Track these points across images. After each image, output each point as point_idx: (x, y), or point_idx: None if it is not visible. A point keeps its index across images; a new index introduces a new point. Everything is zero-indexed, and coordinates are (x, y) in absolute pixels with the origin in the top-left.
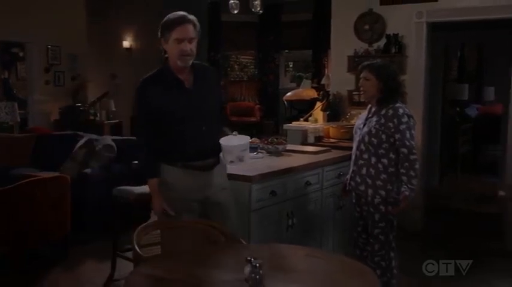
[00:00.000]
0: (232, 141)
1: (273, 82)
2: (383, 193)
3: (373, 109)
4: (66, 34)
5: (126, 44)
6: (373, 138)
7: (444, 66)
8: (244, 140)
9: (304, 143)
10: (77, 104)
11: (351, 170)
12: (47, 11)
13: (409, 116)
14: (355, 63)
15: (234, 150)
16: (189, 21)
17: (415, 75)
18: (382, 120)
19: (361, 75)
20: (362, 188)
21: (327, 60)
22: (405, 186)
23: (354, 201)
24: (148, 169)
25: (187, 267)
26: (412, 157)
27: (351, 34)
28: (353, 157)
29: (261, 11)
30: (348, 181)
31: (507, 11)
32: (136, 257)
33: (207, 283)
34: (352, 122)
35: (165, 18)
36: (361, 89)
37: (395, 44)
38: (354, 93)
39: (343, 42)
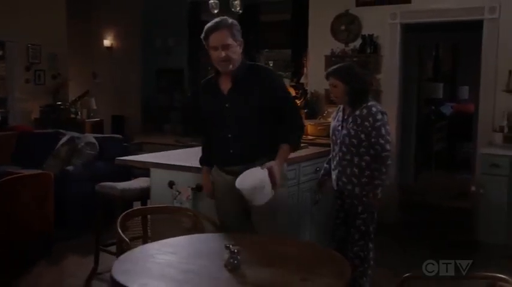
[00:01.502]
0: (243, 182)
1: None
2: (369, 188)
3: (348, 111)
4: (46, 33)
5: (106, 43)
6: (353, 139)
7: (419, 66)
8: (255, 181)
9: None
10: (58, 103)
11: (332, 167)
12: (27, 10)
13: (383, 113)
14: (332, 62)
15: (242, 191)
16: (223, 27)
17: (389, 75)
18: (359, 121)
19: (329, 82)
20: (349, 187)
21: (306, 59)
22: (370, 187)
23: (335, 195)
24: (201, 157)
25: (170, 254)
26: (384, 154)
27: (328, 34)
28: (336, 158)
29: (240, 11)
30: (336, 182)
31: (478, 12)
32: (119, 241)
33: (187, 268)
34: (329, 119)
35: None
36: (332, 95)
37: (371, 44)
38: None
39: (320, 42)
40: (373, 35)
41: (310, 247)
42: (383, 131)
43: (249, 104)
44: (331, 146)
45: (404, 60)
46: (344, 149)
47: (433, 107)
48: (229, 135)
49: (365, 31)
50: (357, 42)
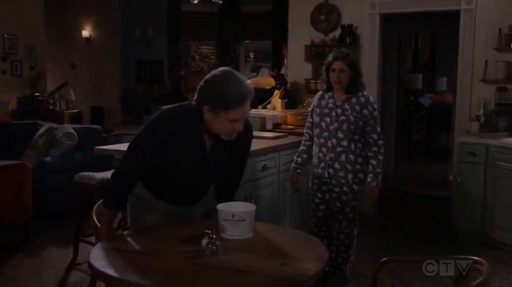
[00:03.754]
0: (226, 205)
1: None
2: (361, 175)
3: (342, 97)
4: (23, 23)
5: (85, 33)
6: (351, 125)
7: (398, 57)
8: (237, 210)
9: (263, 129)
10: (36, 94)
11: (320, 155)
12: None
13: (376, 103)
14: (311, 52)
15: (220, 215)
16: (250, 97)
17: (369, 65)
18: (358, 108)
19: (335, 66)
20: (341, 174)
21: (286, 50)
22: (371, 175)
23: (314, 188)
24: (113, 197)
25: (148, 240)
26: (380, 142)
27: (308, 24)
28: (328, 144)
29: (220, 1)
30: (326, 169)
31: (455, 3)
32: (96, 230)
33: (165, 254)
34: (309, 109)
35: (223, 88)
36: (337, 80)
37: (350, 34)
38: (311, 81)
39: (300, 33)
40: (352, 25)
41: (288, 232)
42: (378, 120)
43: (229, 163)
44: (318, 133)
45: (384, 50)
46: (340, 135)
47: (412, 98)
48: (198, 187)
49: (344, 21)
50: (337, 32)
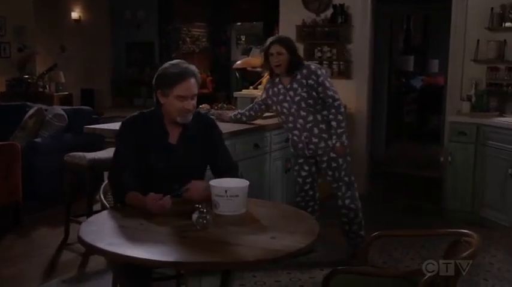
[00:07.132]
0: (219, 181)
1: (224, 54)
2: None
3: (287, 80)
4: (11, 4)
5: (74, 15)
6: (309, 101)
7: (390, 38)
8: (229, 185)
9: None
10: (25, 76)
11: (295, 138)
12: None
13: (321, 69)
14: (303, 32)
15: (213, 190)
16: (192, 75)
17: (360, 45)
18: (304, 82)
19: (272, 51)
20: (322, 145)
21: (277, 32)
22: (334, 137)
23: (300, 161)
24: (126, 185)
25: (139, 215)
26: (336, 103)
27: (299, 4)
28: (297, 126)
29: None
30: (306, 147)
31: None
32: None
33: (156, 228)
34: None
35: (163, 70)
36: (276, 64)
37: (342, 14)
38: None
39: (291, 13)
40: (344, 4)
41: (279, 208)
42: (327, 84)
43: (201, 153)
44: (284, 119)
45: (376, 31)
46: (303, 113)
47: (403, 80)
48: (176, 187)
49: (336, 1)
50: (328, 12)
